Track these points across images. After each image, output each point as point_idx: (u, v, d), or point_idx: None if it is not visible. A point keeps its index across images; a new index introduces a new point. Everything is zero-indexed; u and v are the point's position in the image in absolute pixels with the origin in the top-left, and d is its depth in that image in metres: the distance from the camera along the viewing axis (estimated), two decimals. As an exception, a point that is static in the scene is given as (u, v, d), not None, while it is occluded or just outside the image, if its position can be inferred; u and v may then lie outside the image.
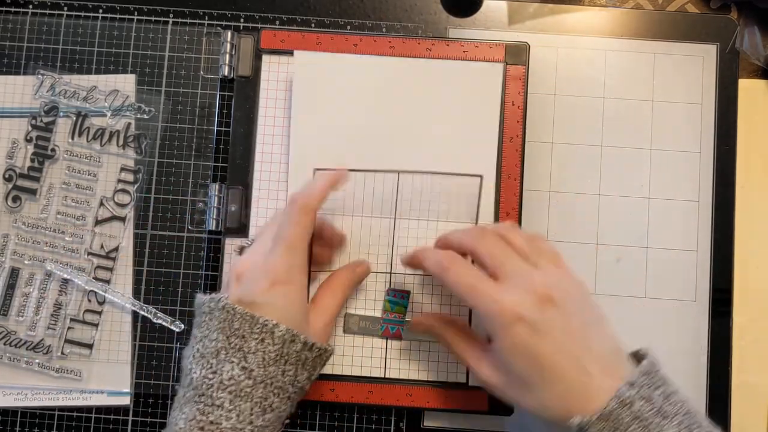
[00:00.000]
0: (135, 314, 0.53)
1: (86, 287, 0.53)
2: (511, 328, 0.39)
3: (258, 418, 0.39)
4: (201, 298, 0.44)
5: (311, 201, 0.44)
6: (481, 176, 0.51)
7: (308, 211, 0.44)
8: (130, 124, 0.54)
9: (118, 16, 0.56)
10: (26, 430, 0.53)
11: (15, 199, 0.54)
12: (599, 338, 0.41)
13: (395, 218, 0.52)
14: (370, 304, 0.51)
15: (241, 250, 0.48)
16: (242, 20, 0.56)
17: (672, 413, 0.37)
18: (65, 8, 0.56)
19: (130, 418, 0.53)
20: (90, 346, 0.53)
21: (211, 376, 0.39)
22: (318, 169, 0.51)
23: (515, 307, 0.39)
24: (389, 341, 0.51)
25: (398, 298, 0.51)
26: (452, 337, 0.46)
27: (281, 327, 0.41)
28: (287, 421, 0.44)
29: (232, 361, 0.40)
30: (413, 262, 0.47)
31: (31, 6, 0.56)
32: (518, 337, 0.39)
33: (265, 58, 0.53)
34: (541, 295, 0.39)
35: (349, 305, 0.51)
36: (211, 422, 0.38)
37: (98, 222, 0.54)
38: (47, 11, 0.56)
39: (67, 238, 0.54)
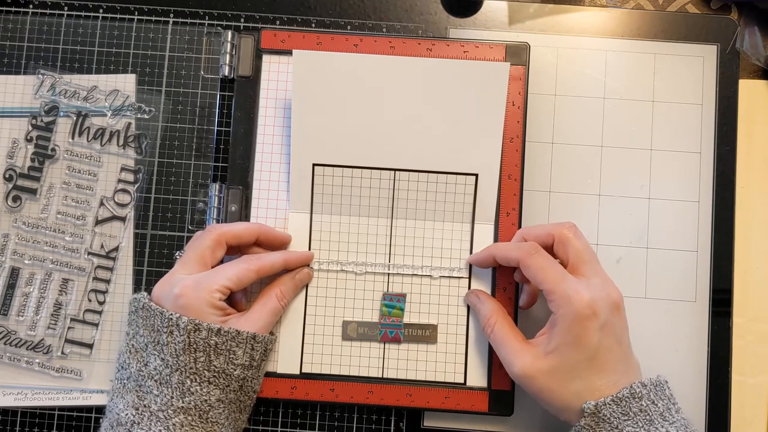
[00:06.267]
0: (135, 314, 0.53)
1: (86, 287, 0.53)
2: (585, 320, 0.43)
3: (179, 400, 0.45)
4: (132, 296, 0.49)
5: (224, 235, 0.49)
6: (476, 175, 0.51)
7: (219, 243, 0.48)
8: (130, 123, 0.54)
9: (118, 16, 0.56)
10: (26, 430, 0.53)
11: (15, 198, 0.54)
12: (630, 348, 0.46)
13: (392, 218, 0.52)
14: (368, 304, 0.51)
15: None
16: (243, 20, 0.56)
17: (671, 420, 0.43)
18: (65, 8, 0.56)
19: (130, 417, 0.53)
20: (90, 346, 0.53)
21: (143, 368, 0.46)
22: (317, 164, 0.51)
23: (594, 303, 0.43)
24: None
25: (394, 302, 0.51)
26: (500, 322, 0.48)
27: (184, 319, 0.45)
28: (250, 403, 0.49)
29: (154, 354, 0.46)
30: (485, 260, 0.50)
31: (31, 6, 0.56)
32: (588, 330, 0.43)
33: (266, 58, 0.53)
34: (614, 301, 0.44)
35: (346, 313, 0.51)
36: (144, 405, 0.45)
37: (98, 222, 0.54)
38: (47, 11, 0.56)
39: (67, 238, 0.54)
